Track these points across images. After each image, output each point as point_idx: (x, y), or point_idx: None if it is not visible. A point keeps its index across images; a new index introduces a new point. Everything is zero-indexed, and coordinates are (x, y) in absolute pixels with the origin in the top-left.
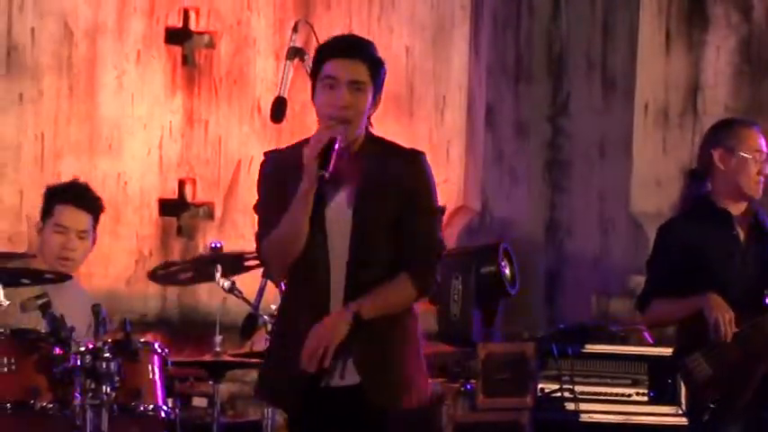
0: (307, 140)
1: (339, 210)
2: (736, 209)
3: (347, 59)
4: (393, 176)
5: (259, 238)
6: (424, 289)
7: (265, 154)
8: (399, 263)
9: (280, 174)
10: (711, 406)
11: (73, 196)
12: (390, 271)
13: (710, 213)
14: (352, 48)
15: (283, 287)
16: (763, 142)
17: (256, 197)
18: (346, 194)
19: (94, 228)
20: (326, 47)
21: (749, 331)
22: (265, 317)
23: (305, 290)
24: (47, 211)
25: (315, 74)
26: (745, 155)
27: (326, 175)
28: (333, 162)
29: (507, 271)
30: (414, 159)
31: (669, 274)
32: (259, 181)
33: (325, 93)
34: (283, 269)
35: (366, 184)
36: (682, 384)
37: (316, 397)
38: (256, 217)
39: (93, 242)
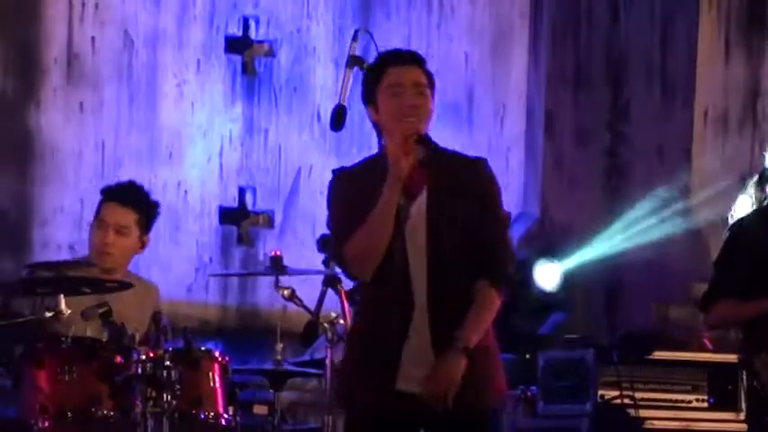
0: (372, 157)
1: (414, 218)
2: None
3: (407, 66)
4: (463, 181)
5: (339, 246)
6: (503, 296)
7: (335, 172)
8: (478, 270)
9: (354, 192)
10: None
11: (117, 193)
12: (467, 271)
13: None
14: (410, 55)
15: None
16: None
17: (329, 214)
18: (418, 202)
19: (143, 228)
20: (382, 59)
21: None
22: (326, 324)
23: (386, 295)
24: (96, 211)
25: (373, 88)
26: None
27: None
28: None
29: None
30: (481, 164)
31: (737, 274)
32: (332, 199)
33: (391, 101)
34: (369, 272)
35: (437, 190)
36: (742, 390)
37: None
38: (332, 233)
39: (143, 245)
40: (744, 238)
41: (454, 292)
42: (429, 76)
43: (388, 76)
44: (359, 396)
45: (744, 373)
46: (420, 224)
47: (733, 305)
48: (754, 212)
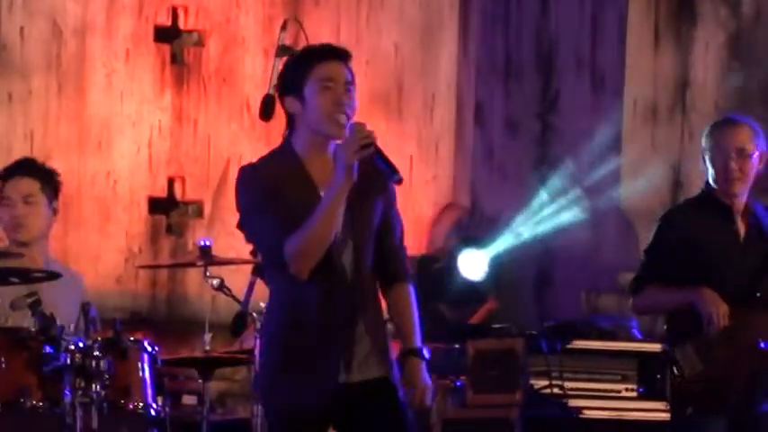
0: (277, 151)
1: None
2: (737, 203)
3: (340, 62)
4: (374, 184)
5: (275, 242)
6: None
7: (244, 169)
8: (386, 271)
9: (271, 187)
10: (695, 398)
11: (13, 168)
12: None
13: (712, 206)
14: (342, 52)
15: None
16: (732, 141)
17: (247, 210)
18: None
19: (49, 196)
20: (313, 51)
21: (740, 328)
22: (255, 314)
23: (324, 288)
24: None
25: (299, 79)
26: (713, 154)
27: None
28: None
29: None
30: None
31: (666, 262)
32: (251, 196)
33: (323, 94)
34: (309, 269)
35: (355, 189)
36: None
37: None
38: (254, 222)
39: (54, 212)
40: (674, 227)
41: (372, 289)
42: (352, 73)
43: (319, 70)
44: (300, 392)
45: (668, 363)
46: (344, 224)
47: (659, 291)
48: (687, 202)
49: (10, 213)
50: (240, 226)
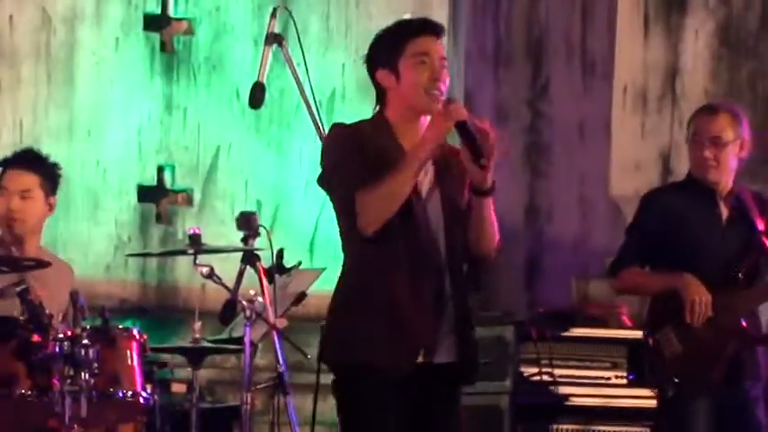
0: (371, 120)
1: (427, 184)
2: (721, 187)
3: (435, 37)
4: (456, 162)
5: (348, 189)
6: None
7: (336, 125)
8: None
9: (360, 145)
10: (676, 380)
11: (15, 159)
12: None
13: (696, 188)
14: (437, 26)
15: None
16: (708, 129)
17: (332, 161)
18: (427, 173)
19: (47, 190)
20: (409, 25)
21: (721, 310)
22: (244, 302)
23: (410, 255)
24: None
25: (394, 53)
26: (690, 141)
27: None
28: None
29: None
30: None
31: (647, 241)
32: (339, 145)
33: (419, 68)
34: (380, 223)
35: (439, 165)
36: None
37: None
38: (336, 175)
39: (50, 207)
40: (656, 207)
41: (459, 265)
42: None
43: (414, 45)
44: (390, 366)
45: (646, 345)
46: (434, 191)
47: (640, 274)
48: (671, 184)
49: (6, 206)
50: (326, 183)
